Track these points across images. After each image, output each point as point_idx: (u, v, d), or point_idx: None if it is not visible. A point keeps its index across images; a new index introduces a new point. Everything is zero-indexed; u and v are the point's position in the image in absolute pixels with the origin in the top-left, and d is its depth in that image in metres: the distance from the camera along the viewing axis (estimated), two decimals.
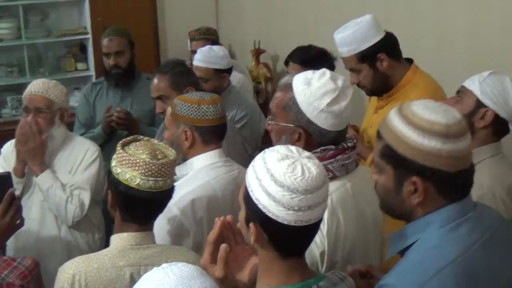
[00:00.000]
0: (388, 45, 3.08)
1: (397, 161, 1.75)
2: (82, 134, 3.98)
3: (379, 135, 1.81)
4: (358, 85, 3.15)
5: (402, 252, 1.81)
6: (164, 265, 1.54)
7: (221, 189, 2.64)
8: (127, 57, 4.20)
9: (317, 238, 2.05)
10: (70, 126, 3.94)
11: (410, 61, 3.18)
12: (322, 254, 2.05)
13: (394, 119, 1.76)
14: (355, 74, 3.13)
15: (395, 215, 1.88)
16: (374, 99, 3.31)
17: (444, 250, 1.72)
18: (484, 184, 2.40)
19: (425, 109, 1.74)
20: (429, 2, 3.96)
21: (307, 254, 1.97)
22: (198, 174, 2.67)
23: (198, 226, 2.56)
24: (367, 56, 3.06)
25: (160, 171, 2.16)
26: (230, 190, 2.63)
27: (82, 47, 6.28)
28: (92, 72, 6.12)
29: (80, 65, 6.23)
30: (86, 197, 3.17)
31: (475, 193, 1.90)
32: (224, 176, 2.68)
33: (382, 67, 3.06)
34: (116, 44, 4.17)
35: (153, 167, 2.15)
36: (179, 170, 2.51)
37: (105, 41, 4.19)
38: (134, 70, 4.25)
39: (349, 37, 3.05)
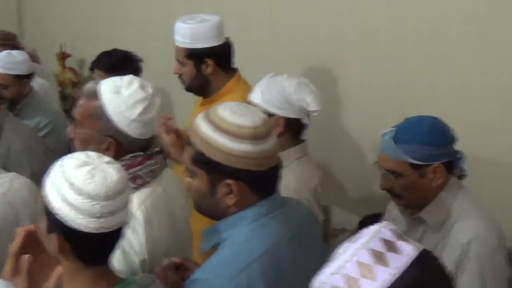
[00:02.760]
0: (221, 54, 3.03)
1: (209, 166, 1.77)
2: None
3: (188, 142, 1.82)
4: (180, 76, 3.09)
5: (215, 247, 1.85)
6: None
7: None
8: None
9: (136, 247, 2.02)
10: None
11: (235, 70, 3.14)
12: (143, 262, 2.02)
13: (203, 125, 1.77)
14: (179, 66, 3.06)
15: (210, 215, 1.90)
16: (199, 102, 3.22)
17: (254, 245, 1.78)
18: (290, 186, 2.48)
19: (232, 113, 1.76)
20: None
21: (126, 264, 1.96)
22: None
23: None
24: (195, 56, 3.01)
25: None
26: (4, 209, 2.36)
27: None
28: None
29: None
30: None
31: (283, 195, 1.95)
32: None
33: (206, 71, 3.02)
34: None
35: None
36: None
37: None
38: None
39: (187, 29, 2.98)
